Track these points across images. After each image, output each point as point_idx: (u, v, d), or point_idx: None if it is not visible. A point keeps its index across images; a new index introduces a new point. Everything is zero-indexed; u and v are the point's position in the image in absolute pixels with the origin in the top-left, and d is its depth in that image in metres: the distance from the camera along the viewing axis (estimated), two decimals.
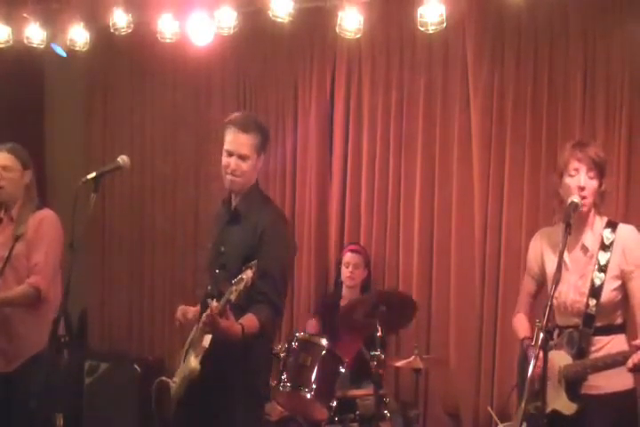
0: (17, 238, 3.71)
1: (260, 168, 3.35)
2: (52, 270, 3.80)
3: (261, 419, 3.58)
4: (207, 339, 3.05)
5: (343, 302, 4.83)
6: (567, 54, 4.37)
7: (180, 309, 3.42)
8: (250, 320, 3.11)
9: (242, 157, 3.23)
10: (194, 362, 3.07)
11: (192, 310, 3.41)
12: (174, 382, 3.29)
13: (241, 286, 2.91)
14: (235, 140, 3.24)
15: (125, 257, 6.02)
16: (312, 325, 4.82)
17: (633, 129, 4.19)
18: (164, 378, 3.39)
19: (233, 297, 2.93)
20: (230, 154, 3.25)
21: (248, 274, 2.93)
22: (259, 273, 2.96)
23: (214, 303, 3.03)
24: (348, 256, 4.83)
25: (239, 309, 3.09)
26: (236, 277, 3.01)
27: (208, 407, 3.22)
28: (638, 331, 3.03)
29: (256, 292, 3.07)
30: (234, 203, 3.35)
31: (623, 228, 3.12)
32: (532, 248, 3.33)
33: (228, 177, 3.26)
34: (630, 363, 2.88)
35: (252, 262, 2.97)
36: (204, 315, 3.05)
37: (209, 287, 3.36)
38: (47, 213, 3.88)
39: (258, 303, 3.15)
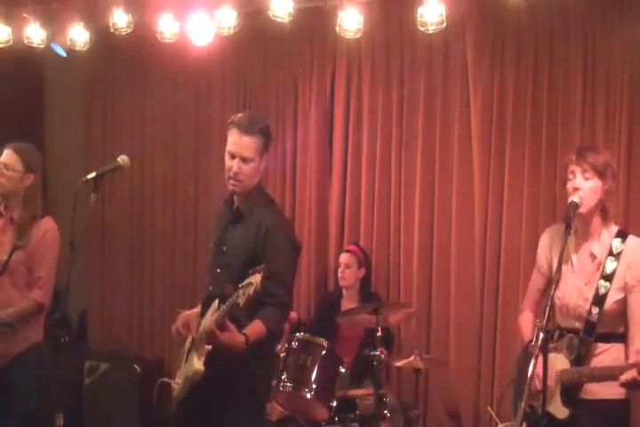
0: (16, 248, 3.72)
1: (263, 169, 3.31)
2: (52, 282, 3.87)
3: (263, 420, 3.57)
4: None
5: (344, 302, 4.84)
6: (567, 54, 4.37)
7: (182, 318, 3.38)
8: (256, 328, 3.06)
9: (244, 160, 3.18)
10: (197, 364, 3.04)
11: (193, 316, 3.37)
12: (176, 384, 3.27)
13: (250, 290, 2.85)
14: (238, 143, 3.19)
15: (125, 257, 6.02)
16: (292, 315, 4.66)
17: (633, 129, 4.19)
18: (165, 379, 3.38)
19: (241, 301, 2.88)
20: (233, 156, 3.20)
21: (257, 278, 2.85)
22: (268, 274, 2.91)
23: (210, 317, 3.02)
24: (342, 256, 4.86)
25: (246, 313, 3.03)
26: (237, 278, 2.99)
27: (209, 408, 3.20)
28: (630, 344, 3.03)
29: (265, 293, 2.98)
30: (236, 203, 3.33)
31: (632, 240, 3.09)
32: (541, 244, 3.31)
33: (231, 181, 3.22)
34: (623, 378, 2.87)
35: (260, 266, 2.91)
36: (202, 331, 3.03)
37: (210, 288, 3.34)
38: (50, 226, 3.88)
39: (267, 306, 3.09)
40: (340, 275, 4.82)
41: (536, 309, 3.37)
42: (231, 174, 3.21)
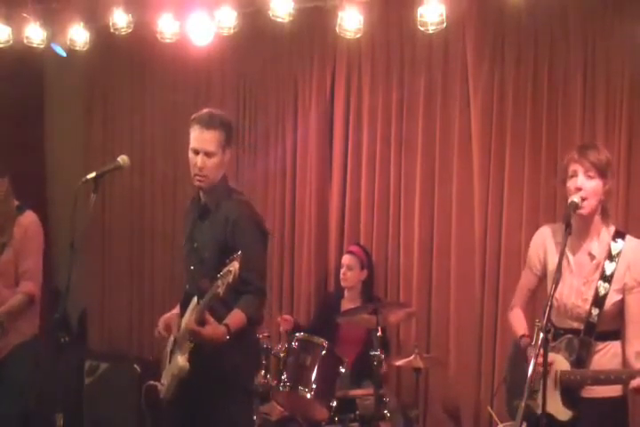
0: (3, 246, 3.82)
1: (227, 163, 3.37)
2: (40, 273, 3.97)
3: (251, 412, 3.62)
4: None
5: (344, 303, 4.83)
6: (567, 54, 4.37)
7: (162, 320, 3.42)
8: (236, 317, 3.14)
9: (208, 154, 3.25)
10: (182, 361, 3.09)
11: (173, 317, 3.40)
12: (162, 385, 3.30)
13: (229, 278, 2.92)
14: (200, 138, 3.27)
15: (125, 257, 6.02)
16: (287, 320, 4.67)
17: (633, 129, 4.19)
18: (151, 382, 3.40)
19: (221, 291, 2.94)
20: (197, 152, 3.27)
21: (235, 266, 2.92)
22: (241, 263, 2.97)
23: (189, 315, 3.08)
24: (344, 257, 4.85)
25: (223, 304, 3.12)
26: (213, 272, 3.04)
27: (197, 405, 3.25)
28: (629, 345, 3.03)
29: (240, 282, 3.06)
30: (202, 199, 3.39)
31: (631, 241, 3.09)
32: (534, 243, 3.30)
33: (196, 177, 3.29)
34: (635, 384, 2.88)
35: (237, 254, 2.98)
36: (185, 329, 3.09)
37: (187, 286, 3.39)
38: (31, 219, 3.97)
39: (244, 294, 3.18)
40: (341, 276, 4.82)
41: (526, 307, 3.38)
42: (196, 170, 3.28)
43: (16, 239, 3.87)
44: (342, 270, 4.81)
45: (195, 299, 3.20)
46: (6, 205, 3.92)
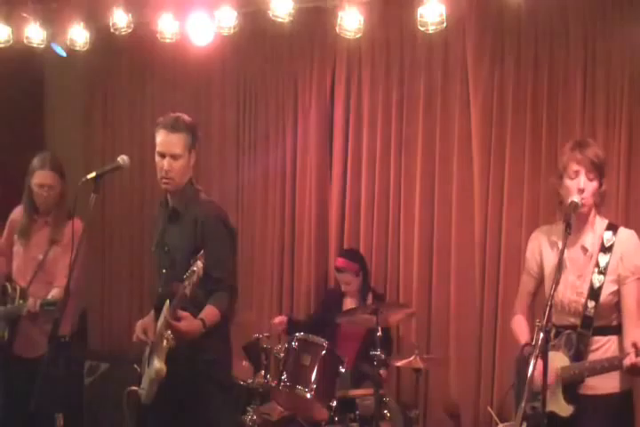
0: (53, 243, 3.93)
1: (192, 165, 3.42)
2: (77, 272, 3.93)
3: (232, 407, 3.68)
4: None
5: (346, 301, 4.82)
6: (567, 54, 4.37)
7: (139, 326, 3.42)
8: (210, 312, 3.21)
9: (174, 157, 3.31)
10: (158, 363, 3.11)
11: (149, 321, 3.41)
12: (143, 389, 3.31)
13: (194, 278, 2.98)
14: (166, 141, 3.33)
15: (125, 257, 6.02)
16: (278, 323, 4.67)
17: (633, 129, 4.19)
18: (132, 388, 3.42)
19: (187, 291, 3.00)
20: (163, 155, 3.33)
21: (198, 265, 2.99)
22: (210, 262, 3.04)
23: (166, 311, 3.13)
24: (338, 276, 4.80)
25: (195, 302, 3.16)
26: (184, 275, 3.06)
27: (178, 405, 3.29)
28: (625, 335, 3.04)
29: (210, 281, 3.15)
30: (171, 203, 3.43)
31: (624, 231, 3.11)
32: (530, 247, 3.32)
33: (163, 180, 3.34)
34: (628, 362, 2.88)
35: (200, 254, 3.04)
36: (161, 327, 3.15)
37: (160, 290, 3.42)
38: (81, 225, 4.04)
39: (215, 292, 3.24)
40: (342, 289, 4.79)
41: (527, 312, 3.39)
42: (163, 173, 3.33)
43: (65, 240, 3.97)
44: (342, 285, 4.78)
45: (167, 302, 3.23)
46: (63, 205, 4.08)
